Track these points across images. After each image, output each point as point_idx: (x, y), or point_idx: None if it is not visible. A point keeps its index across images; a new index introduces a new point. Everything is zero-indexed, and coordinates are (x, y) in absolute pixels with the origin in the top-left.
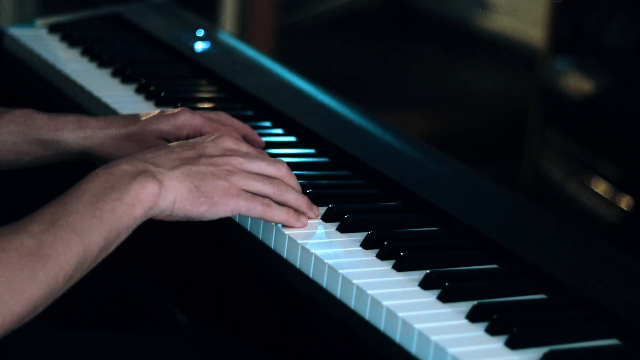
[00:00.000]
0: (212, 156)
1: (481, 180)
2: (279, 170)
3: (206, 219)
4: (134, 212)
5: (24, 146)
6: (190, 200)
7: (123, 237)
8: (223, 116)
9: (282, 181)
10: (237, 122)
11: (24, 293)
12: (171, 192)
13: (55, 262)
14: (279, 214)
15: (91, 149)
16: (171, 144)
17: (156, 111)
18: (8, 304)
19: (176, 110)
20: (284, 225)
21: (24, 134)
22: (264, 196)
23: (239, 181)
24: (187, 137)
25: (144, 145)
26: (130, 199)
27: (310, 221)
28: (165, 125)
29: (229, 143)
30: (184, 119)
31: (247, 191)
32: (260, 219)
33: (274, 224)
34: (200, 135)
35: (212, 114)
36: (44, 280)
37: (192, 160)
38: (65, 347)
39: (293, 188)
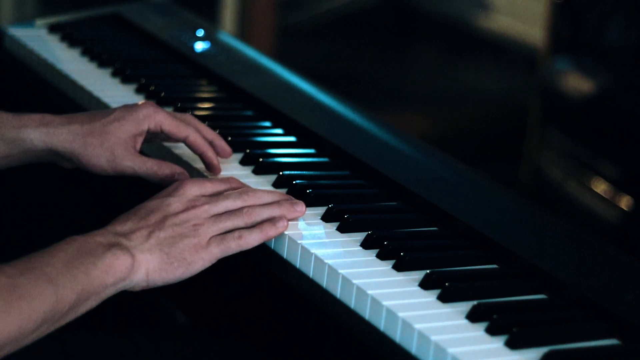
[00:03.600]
0: (176, 214)
1: (481, 180)
2: (245, 200)
3: (186, 278)
4: (107, 278)
5: None
6: (164, 269)
7: (93, 303)
8: (189, 117)
9: (252, 206)
10: (202, 126)
11: None
12: (143, 265)
13: (28, 304)
14: (253, 237)
15: (55, 146)
16: (137, 207)
17: (118, 107)
18: None
19: (139, 103)
20: None
21: None
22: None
23: (207, 231)
24: (149, 130)
25: (107, 141)
26: (104, 265)
27: (310, 221)
28: (128, 119)
29: (192, 190)
30: (145, 112)
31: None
32: (240, 251)
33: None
34: (162, 130)
35: (177, 114)
36: (15, 318)
37: (158, 225)
38: (66, 347)
39: (267, 204)
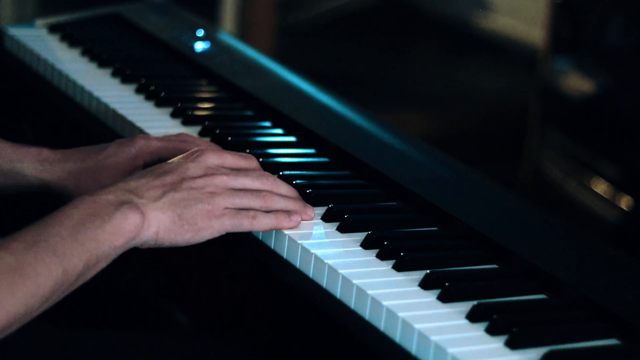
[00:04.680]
0: (194, 178)
1: (481, 180)
2: (264, 184)
3: (194, 244)
4: (116, 241)
5: None
6: (174, 230)
7: (102, 264)
8: (184, 136)
9: (270, 192)
10: (200, 142)
11: (1, 308)
12: (154, 224)
13: (33, 282)
14: (266, 222)
15: (48, 182)
16: (154, 167)
17: (112, 143)
18: None
19: (131, 139)
20: None
21: None
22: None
23: (222, 201)
24: (145, 165)
25: (101, 180)
26: (112, 227)
27: (310, 221)
28: (121, 157)
29: (212, 159)
30: (138, 147)
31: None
32: (249, 231)
33: None
34: (159, 160)
35: (172, 136)
36: (21, 298)
37: (174, 186)
38: (66, 347)
39: (283, 195)
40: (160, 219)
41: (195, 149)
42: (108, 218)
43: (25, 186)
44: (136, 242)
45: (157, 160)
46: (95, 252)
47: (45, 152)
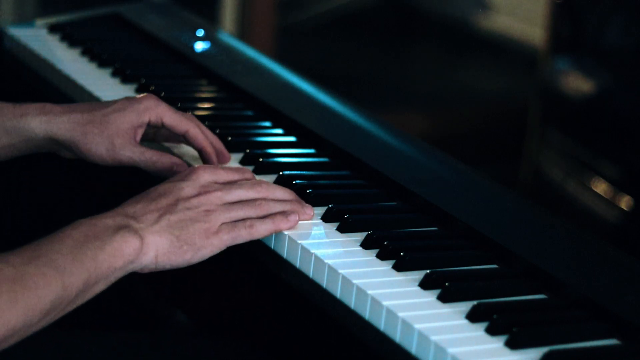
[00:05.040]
0: (188, 198)
1: (481, 180)
2: (259, 192)
3: (195, 263)
4: (115, 262)
5: None
6: (173, 252)
7: (101, 287)
8: (190, 115)
9: (265, 198)
10: (203, 127)
11: (1, 317)
12: (152, 248)
13: (34, 294)
14: (264, 228)
15: (55, 134)
16: (148, 190)
17: (120, 98)
18: None
19: (141, 95)
20: None
21: None
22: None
23: (219, 217)
24: (150, 123)
25: (108, 132)
26: (111, 249)
27: (310, 221)
28: (129, 110)
29: (205, 177)
30: (147, 104)
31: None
32: (250, 240)
33: None
34: (162, 123)
35: (179, 111)
36: (21, 309)
37: (170, 209)
38: (66, 348)
39: (279, 200)
40: (158, 243)
41: (189, 168)
42: (108, 240)
43: (33, 142)
44: (135, 266)
45: (160, 125)
46: (95, 272)
47: (49, 106)
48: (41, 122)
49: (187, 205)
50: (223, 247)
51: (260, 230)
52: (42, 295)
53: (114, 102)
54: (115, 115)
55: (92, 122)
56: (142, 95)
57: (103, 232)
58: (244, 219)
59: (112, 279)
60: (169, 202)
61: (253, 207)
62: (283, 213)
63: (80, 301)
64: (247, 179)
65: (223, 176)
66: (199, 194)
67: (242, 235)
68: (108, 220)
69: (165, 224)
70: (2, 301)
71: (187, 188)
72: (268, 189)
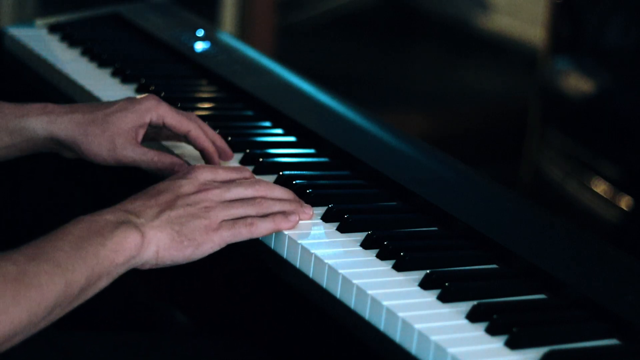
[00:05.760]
0: (188, 195)
1: (481, 180)
2: (258, 190)
3: (195, 259)
4: (116, 258)
5: None
6: (174, 247)
7: (104, 283)
8: (192, 114)
9: (265, 197)
10: (205, 126)
11: (4, 315)
12: (153, 243)
13: (37, 291)
14: (264, 226)
15: (57, 134)
16: (148, 188)
17: (122, 99)
18: None
19: (142, 96)
20: None
21: None
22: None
23: (218, 214)
24: (151, 123)
25: (109, 132)
26: (113, 245)
27: (310, 221)
28: (130, 110)
29: (204, 175)
30: (148, 104)
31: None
32: (249, 239)
33: None
34: (164, 124)
35: (180, 111)
36: (25, 307)
37: (169, 204)
38: (66, 348)
39: (278, 199)
40: (159, 238)
41: (188, 167)
42: (109, 235)
43: (35, 142)
44: (136, 262)
45: (162, 125)
46: (97, 268)
47: (51, 106)
48: (43, 122)
49: (186, 202)
50: (223, 244)
51: (260, 229)
52: (46, 292)
53: (116, 102)
54: (116, 116)
55: (94, 123)
56: (143, 95)
57: (104, 227)
58: (244, 217)
59: (115, 274)
60: (168, 199)
61: (252, 205)
62: (283, 213)
63: (83, 298)
64: (246, 178)
65: (222, 175)
66: (198, 191)
67: (243, 232)
68: (108, 216)
69: (166, 219)
70: (6, 300)
71: (186, 185)
72: (267, 188)
